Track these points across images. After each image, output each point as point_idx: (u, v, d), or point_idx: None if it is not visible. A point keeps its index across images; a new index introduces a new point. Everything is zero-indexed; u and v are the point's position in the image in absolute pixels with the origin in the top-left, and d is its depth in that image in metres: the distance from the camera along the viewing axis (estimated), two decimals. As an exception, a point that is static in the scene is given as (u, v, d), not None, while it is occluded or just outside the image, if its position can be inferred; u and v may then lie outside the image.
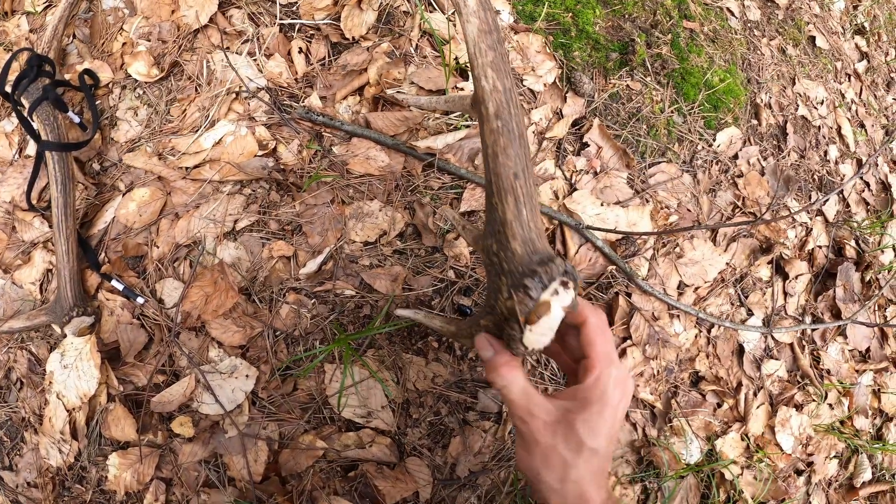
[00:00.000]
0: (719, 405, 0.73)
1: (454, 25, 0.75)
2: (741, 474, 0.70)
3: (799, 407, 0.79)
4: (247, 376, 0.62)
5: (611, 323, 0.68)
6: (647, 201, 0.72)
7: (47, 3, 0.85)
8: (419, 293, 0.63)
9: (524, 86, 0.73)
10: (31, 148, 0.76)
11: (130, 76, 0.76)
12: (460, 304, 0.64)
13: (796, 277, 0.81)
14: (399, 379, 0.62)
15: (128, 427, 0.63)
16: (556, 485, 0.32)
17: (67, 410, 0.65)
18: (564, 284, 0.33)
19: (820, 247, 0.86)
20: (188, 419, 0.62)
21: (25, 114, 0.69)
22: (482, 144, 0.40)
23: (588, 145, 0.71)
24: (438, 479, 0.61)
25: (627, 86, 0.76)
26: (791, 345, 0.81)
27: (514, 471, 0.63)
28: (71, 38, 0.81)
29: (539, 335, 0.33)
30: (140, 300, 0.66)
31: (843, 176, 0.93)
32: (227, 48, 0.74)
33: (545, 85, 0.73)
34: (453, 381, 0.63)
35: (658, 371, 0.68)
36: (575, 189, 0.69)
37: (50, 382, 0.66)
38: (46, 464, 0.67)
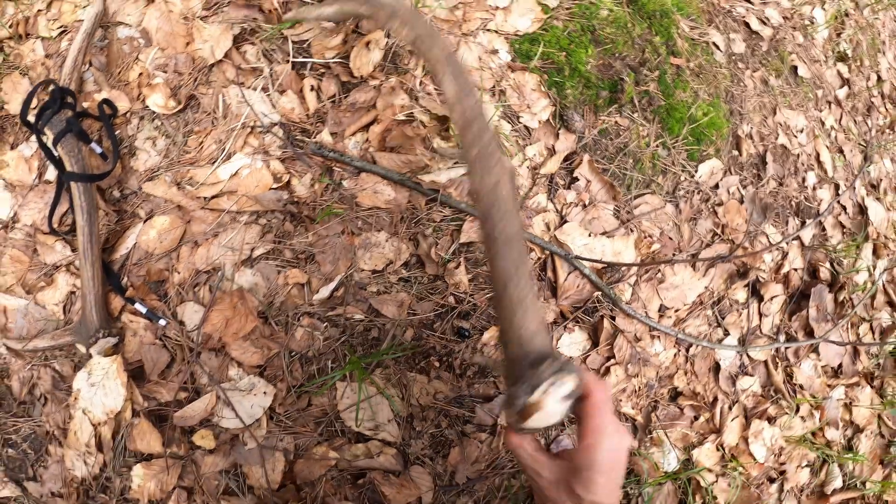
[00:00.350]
0: (696, 418, 0.84)
1: (455, 64, 0.85)
2: (716, 482, 0.82)
3: (772, 419, 0.90)
4: (265, 393, 0.71)
5: (595, 344, 0.78)
6: (632, 231, 0.82)
7: (62, 29, 0.93)
8: (422, 317, 0.73)
9: (520, 122, 0.83)
10: (51, 172, 0.84)
11: (148, 107, 0.85)
12: (460, 326, 0.74)
13: (771, 299, 0.93)
14: (404, 395, 0.72)
15: (153, 440, 0.72)
16: None
17: (93, 425, 0.74)
18: (556, 384, 0.38)
19: (795, 269, 0.97)
20: (209, 432, 0.72)
21: (49, 144, 0.77)
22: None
23: (578, 179, 0.82)
24: (439, 486, 0.71)
25: (616, 122, 0.86)
26: (765, 362, 0.92)
27: (507, 478, 0.73)
28: (87, 65, 0.89)
29: (543, 419, 0.39)
30: (162, 322, 0.75)
31: (821, 201, 1.05)
32: (242, 83, 0.84)
33: (539, 122, 0.83)
34: (453, 396, 0.73)
35: (639, 387, 0.79)
36: (565, 221, 0.79)
37: (76, 399, 0.75)
38: (71, 475, 0.76)
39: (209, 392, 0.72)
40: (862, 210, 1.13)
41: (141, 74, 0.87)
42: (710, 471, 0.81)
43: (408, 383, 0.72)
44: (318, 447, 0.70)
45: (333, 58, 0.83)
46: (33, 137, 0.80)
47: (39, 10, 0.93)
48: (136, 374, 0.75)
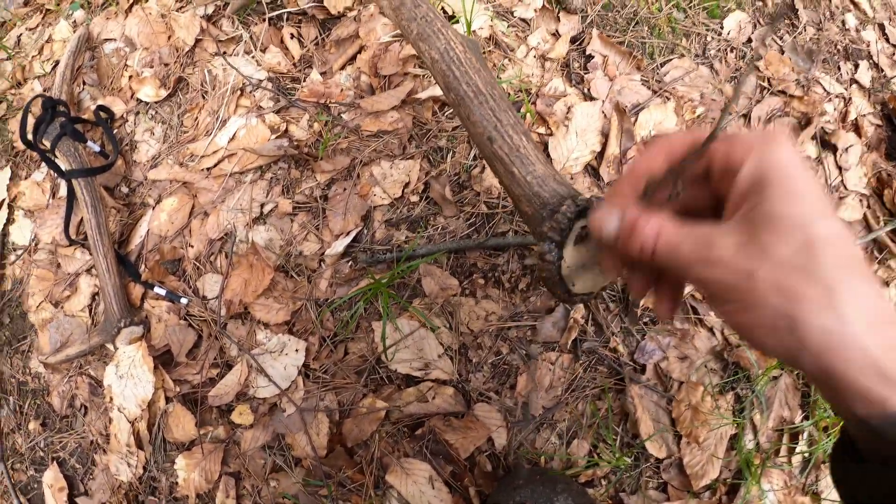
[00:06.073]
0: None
1: (432, -20, 0.74)
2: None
3: (886, 284, 0.69)
4: (296, 350, 0.59)
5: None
6: (668, 98, 0.67)
7: (55, 63, 0.89)
8: (455, 232, 0.60)
9: (515, 16, 0.70)
10: (63, 190, 0.78)
11: (142, 101, 0.78)
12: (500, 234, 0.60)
13: (846, 149, 0.73)
14: (451, 324, 0.58)
15: (188, 425, 0.60)
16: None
17: (130, 422, 0.64)
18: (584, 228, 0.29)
19: (864, 115, 0.77)
20: (246, 407, 0.60)
21: (48, 152, 0.71)
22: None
23: (593, 56, 0.67)
24: (511, 422, 0.55)
25: (618, -6, 0.72)
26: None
27: (591, 400, 0.56)
28: (82, 86, 0.85)
29: (594, 274, 0.31)
30: (184, 301, 0.64)
31: (868, 43, 0.85)
32: (224, 53, 0.76)
33: (535, 10, 0.70)
34: (508, 315, 0.58)
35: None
36: (592, 97, 0.65)
37: (110, 399, 0.65)
38: (117, 481, 0.65)
39: (240, 362, 0.60)
40: (916, 51, 0.92)
41: (131, 77, 0.81)
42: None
43: (453, 309, 0.58)
44: (363, 400, 0.56)
45: (307, 3, 0.74)
46: (44, 164, 0.74)
47: (34, 56, 0.91)
48: (165, 360, 0.64)
